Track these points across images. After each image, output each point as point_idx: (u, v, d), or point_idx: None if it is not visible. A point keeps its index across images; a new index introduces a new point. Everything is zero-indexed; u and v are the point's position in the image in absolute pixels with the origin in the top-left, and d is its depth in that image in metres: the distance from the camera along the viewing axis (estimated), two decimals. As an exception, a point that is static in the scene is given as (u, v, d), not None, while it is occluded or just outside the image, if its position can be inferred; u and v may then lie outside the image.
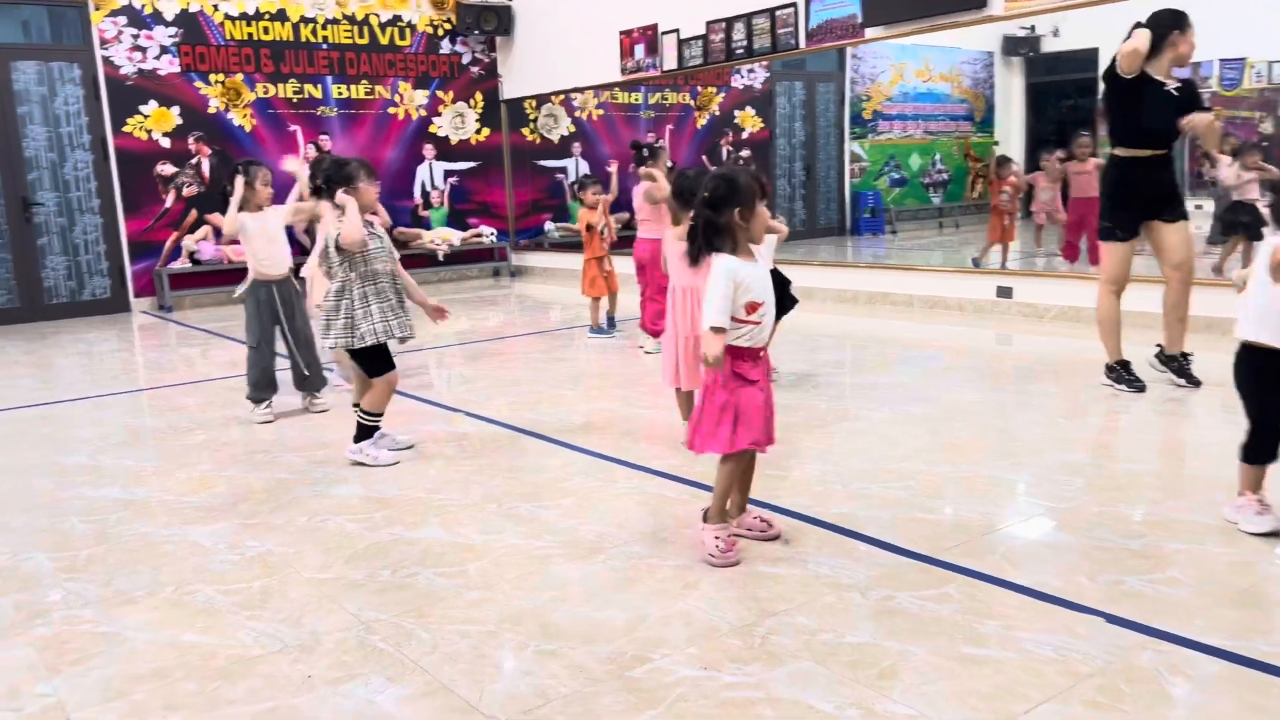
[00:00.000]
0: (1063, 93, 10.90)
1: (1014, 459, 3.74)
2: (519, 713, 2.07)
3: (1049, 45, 11.09)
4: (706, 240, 2.77)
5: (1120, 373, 4.67)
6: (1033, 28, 11.07)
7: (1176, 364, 4.69)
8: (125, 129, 9.31)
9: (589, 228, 6.70)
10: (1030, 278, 7.14)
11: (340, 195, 3.78)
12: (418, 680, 2.22)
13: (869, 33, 7.53)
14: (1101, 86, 4.67)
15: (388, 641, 2.41)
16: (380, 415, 4.01)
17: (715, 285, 2.71)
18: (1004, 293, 7.08)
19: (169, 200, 9.60)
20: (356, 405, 4.06)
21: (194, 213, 9.67)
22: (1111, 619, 2.38)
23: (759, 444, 2.82)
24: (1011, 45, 11.29)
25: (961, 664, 2.20)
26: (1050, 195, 8.58)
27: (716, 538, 2.83)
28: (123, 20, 9.20)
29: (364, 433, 4.00)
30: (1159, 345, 4.84)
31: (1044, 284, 6.98)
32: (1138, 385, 4.61)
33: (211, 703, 2.16)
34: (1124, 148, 4.55)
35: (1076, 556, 2.78)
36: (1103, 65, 4.67)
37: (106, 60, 9.15)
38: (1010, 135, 11.66)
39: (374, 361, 3.93)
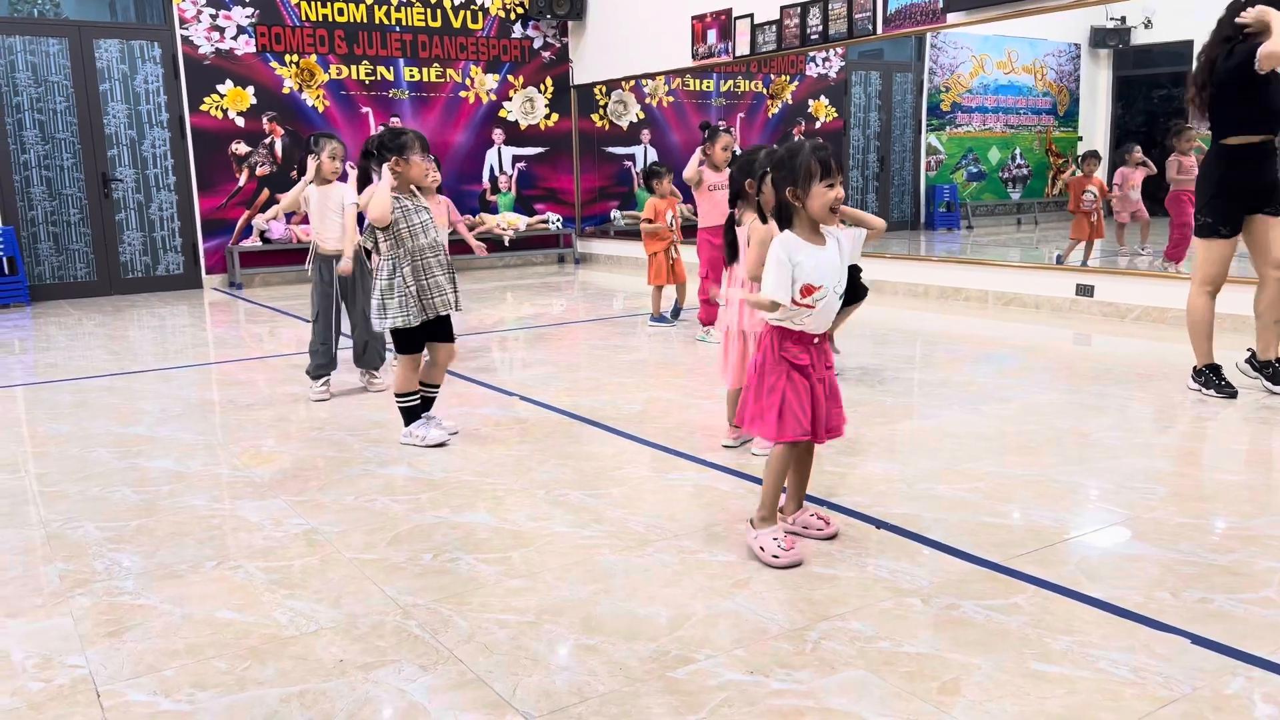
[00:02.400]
0: (1154, 86, 10.46)
1: (1091, 464, 3.53)
2: (552, 710, 1.97)
3: (1140, 37, 10.65)
4: (779, 217, 2.68)
5: (1210, 377, 4.41)
6: (1123, 19, 10.63)
7: (1271, 370, 4.42)
8: (202, 108, 9.46)
9: (652, 221, 6.58)
10: (1112, 276, 6.83)
11: (388, 166, 3.70)
12: (451, 670, 2.13)
13: (950, 18, 7.28)
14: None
15: (424, 628, 2.33)
16: (412, 394, 3.93)
17: (769, 261, 2.61)
18: (1084, 291, 6.79)
19: (242, 179, 9.73)
20: (423, 384, 4.01)
21: (266, 192, 9.79)
22: (1197, 640, 2.19)
23: (808, 435, 2.67)
24: (1100, 37, 10.86)
25: (1030, 681, 2.04)
26: (1138, 194, 8.23)
27: (775, 539, 2.68)
28: (202, 0, 9.33)
29: (408, 416, 3.94)
30: (1250, 350, 4.56)
31: (1127, 283, 6.67)
32: (1229, 391, 4.34)
33: (240, 683, 2.10)
34: (1239, 135, 4.26)
35: (1158, 570, 2.58)
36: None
37: (185, 39, 9.30)
38: (1095, 130, 11.22)
39: (403, 340, 3.87)
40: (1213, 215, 4.33)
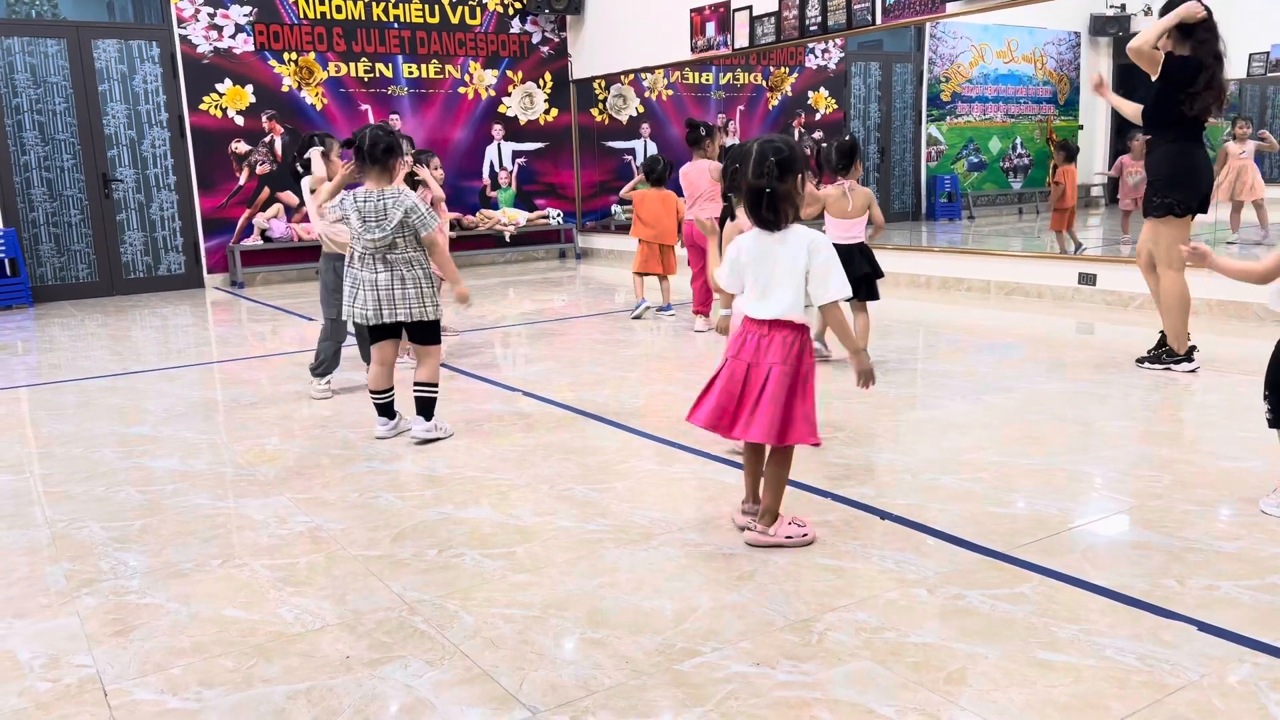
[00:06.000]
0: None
1: (1095, 452, 3.52)
2: (559, 704, 1.97)
3: (1140, 25, 10.61)
4: (773, 209, 2.64)
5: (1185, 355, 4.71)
6: (1123, 6, 10.61)
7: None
8: (201, 107, 9.44)
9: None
10: (1115, 264, 6.81)
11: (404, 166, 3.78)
12: (457, 665, 2.14)
13: (950, 8, 7.25)
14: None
15: (429, 623, 2.34)
16: (438, 385, 3.99)
17: (830, 257, 2.59)
18: (1086, 279, 6.78)
19: (242, 178, 9.72)
20: (418, 384, 3.99)
21: (266, 190, 9.78)
22: (1204, 627, 2.19)
23: None
24: (1099, 25, 10.83)
25: (1036, 670, 2.04)
26: (1140, 179, 8.21)
27: (791, 523, 2.72)
28: (200, -1, 9.32)
29: (430, 407, 3.94)
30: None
31: (1129, 271, 6.64)
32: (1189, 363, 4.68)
33: (247, 680, 2.10)
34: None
35: (1164, 558, 2.58)
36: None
37: (184, 39, 9.28)
38: (1095, 118, 11.21)
39: (435, 331, 3.96)
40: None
